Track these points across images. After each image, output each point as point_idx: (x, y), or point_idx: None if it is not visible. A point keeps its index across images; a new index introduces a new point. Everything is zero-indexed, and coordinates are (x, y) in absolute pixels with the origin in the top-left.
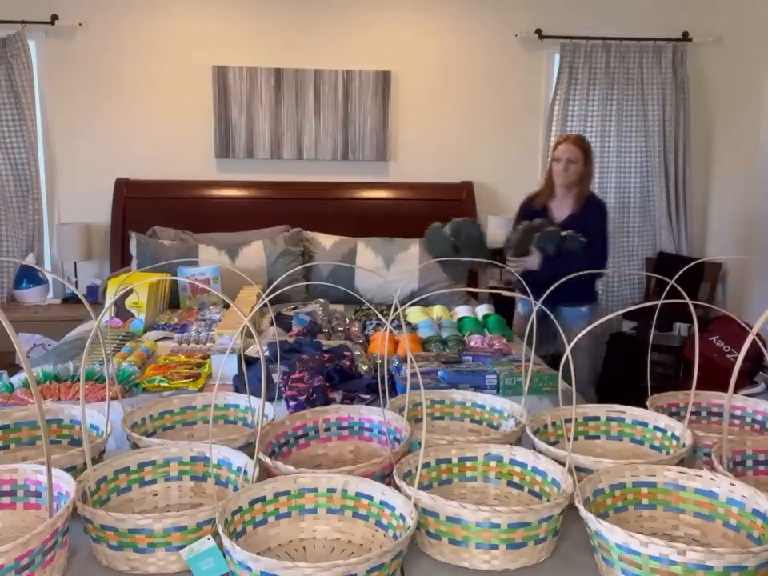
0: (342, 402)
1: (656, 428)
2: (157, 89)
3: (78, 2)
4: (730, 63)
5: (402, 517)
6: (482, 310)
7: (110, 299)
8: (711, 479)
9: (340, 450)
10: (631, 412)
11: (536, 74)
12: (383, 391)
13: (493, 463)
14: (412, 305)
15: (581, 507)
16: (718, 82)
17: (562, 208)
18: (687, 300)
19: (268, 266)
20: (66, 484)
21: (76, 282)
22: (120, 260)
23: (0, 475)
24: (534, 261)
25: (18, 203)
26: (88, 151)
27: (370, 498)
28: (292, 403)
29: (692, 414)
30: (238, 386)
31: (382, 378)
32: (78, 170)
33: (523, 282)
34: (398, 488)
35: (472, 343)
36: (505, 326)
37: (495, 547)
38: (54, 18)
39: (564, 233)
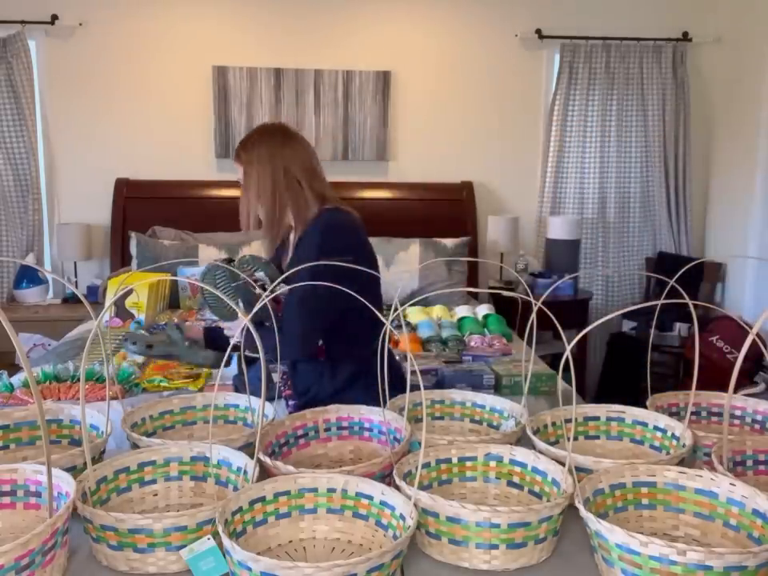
0: None
1: (656, 428)
2: (157, 89)
3: (78, 2)
4: (730, 63)
5: (402, 517)
6: (482, 310)
7: (109, 299)
8: (711, 479)
9: (340, 450)
10: (631, 412)
11: (536, 74)
12: (383, 391)
13: (493, 463)
14: (412, 305)
15: (581, 507)
16: (718, 82)
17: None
18: (687, 300)
19: None
20: (65, 484)
21: (76, 282)
22: (120, 260)
23: (0, 475)
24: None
25: (18, 203)
26: (88, 151)
27: (370, 498)
28: (291, 403)
29: (692, 414)
30: (238, 385)
31: (382, 378)
32: (78, 170)
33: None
34: (398, 488)
35: (472, 343)
36: (505, 326)
37: (495, 547)
38: (54, 18)
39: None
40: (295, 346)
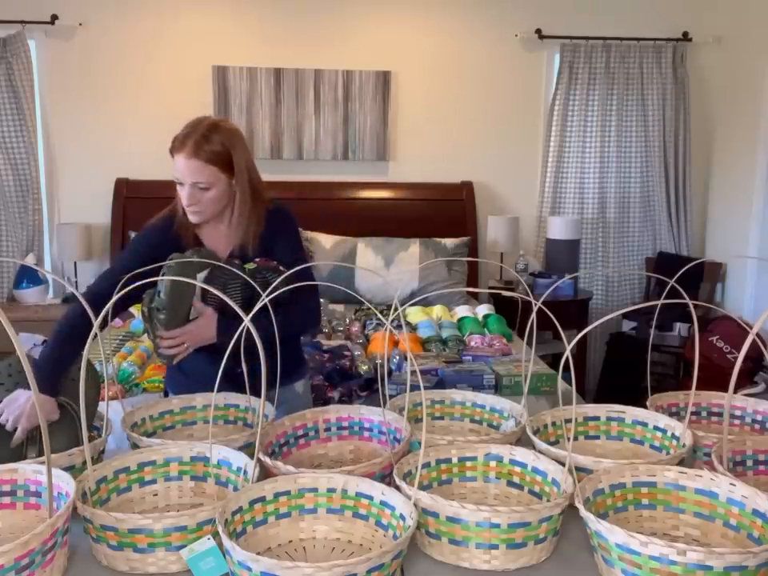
0: (339, 399)
1: (656, 428)
2: (157, 89)
3: (78, 2)
4: (730, 63)
5: (402, 517)
6: (482, 310)
7: None
8: (711, 479)
9: (340, 450)
10: (631, 412)
11: (536, 73)
12: (383, 393)
13: (493, 463)
14: (412, 305)
15: (581, 507)
16: (718, 82)
17: (219, 237)
18: (687, 300)
19: None
20: (65, 484)
21: (76, 282)
22: None
23: (0, 475)
24: (206, 328)
25: (18, 203)
26: (88, 151)
27: (370, 498)
28: None
29: (692, 414)
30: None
31: (382, 378)
32: (78, 170)
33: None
34: (398, 488)
35: (472, 343)
36: (505, 326)
37: (495, 547)
38: (54, 18)
39: (250, 265)
40: (316, 319)
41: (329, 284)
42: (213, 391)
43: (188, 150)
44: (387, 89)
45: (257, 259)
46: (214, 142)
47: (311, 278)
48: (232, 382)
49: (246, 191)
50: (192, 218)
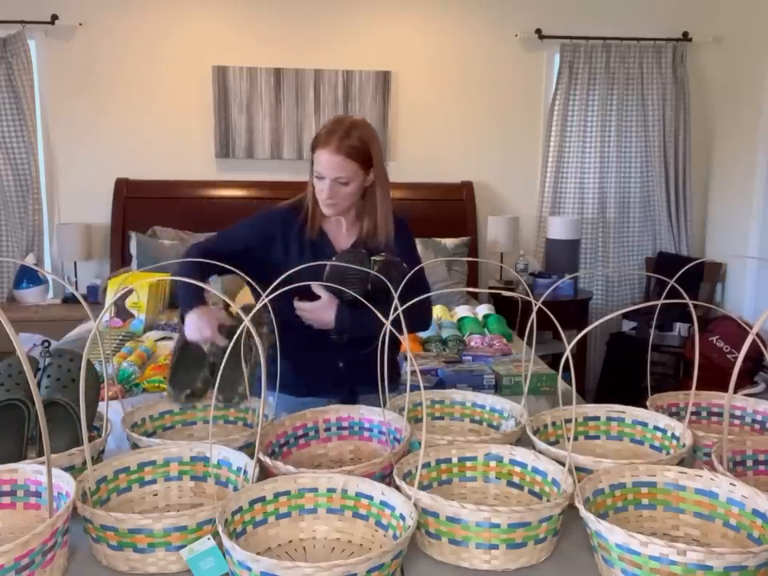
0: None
1: (656, 428)
2: (157, 89)
3: (78, 2)
4: (730, 63)
5: (402, 517)
6: (482, 310)
7: (109, 299)
8: (711, 479)
9: (340, 449)
10: (631, 412)
11: (536, 73)
12: (383, 392)
13: (493, 463)
14: (412, 305)
15: (581, 507)
16: (718, 82)
17: (341, 231)
18: (687, 300)
19: None
20: (65, 484)
21: (76, 282)
22: (120, 260)
23: (0, 475)
24: (324, 310)
25: (18, 203)
26: (88, 151)
27: (370, 498)
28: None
29: (692, 414)
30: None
31: (382, 378)
32: (78, 170)
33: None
34: (398, 488)
35: (472, 343)
36: (505, 326)
37: (495, 547)
38: (54, 17)
39: (378, 257)
40: (427, 320)
41: (329, 284)
42: (307, 374)
43: (332, 146)
44: (387, 89)
45: (382, 254)
46: (354, 138)
47: (425, 284)
48: (333, 375)
49: (384, 183)
50: (326, 211)
